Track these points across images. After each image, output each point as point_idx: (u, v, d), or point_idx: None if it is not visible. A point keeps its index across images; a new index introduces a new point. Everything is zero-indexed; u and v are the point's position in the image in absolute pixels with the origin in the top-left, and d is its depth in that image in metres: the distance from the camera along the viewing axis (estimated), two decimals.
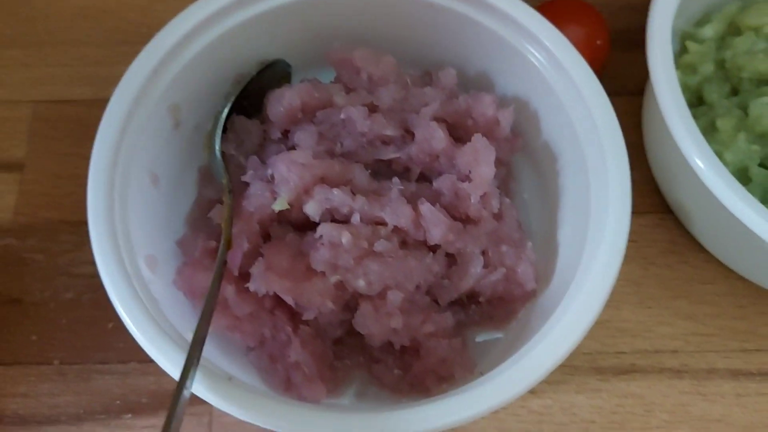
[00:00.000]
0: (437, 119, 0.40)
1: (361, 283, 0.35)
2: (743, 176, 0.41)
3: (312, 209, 0.37)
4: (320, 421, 0.31)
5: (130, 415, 0.39)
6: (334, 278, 0.35)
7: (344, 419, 0.31)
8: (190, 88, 0.40)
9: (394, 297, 0.35)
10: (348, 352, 0.39)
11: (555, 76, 0.39)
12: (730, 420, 0.40)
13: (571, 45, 0.38)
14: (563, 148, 0.40)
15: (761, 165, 0.41)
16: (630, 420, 0.39)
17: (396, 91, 0.40)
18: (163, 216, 0.39)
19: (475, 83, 0.43)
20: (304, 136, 0.38)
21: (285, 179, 0.36)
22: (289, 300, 0.35)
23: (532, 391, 0.40)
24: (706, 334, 0.42)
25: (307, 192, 0.36)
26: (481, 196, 0.38)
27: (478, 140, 0.38)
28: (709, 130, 0.42)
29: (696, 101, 0.45)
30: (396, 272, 0.35)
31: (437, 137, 0.38)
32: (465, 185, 0.38)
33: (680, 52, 0.46)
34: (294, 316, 0.36)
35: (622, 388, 0.40)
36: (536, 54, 0.39)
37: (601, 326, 0.42)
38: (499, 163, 0.41)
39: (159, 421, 0.40)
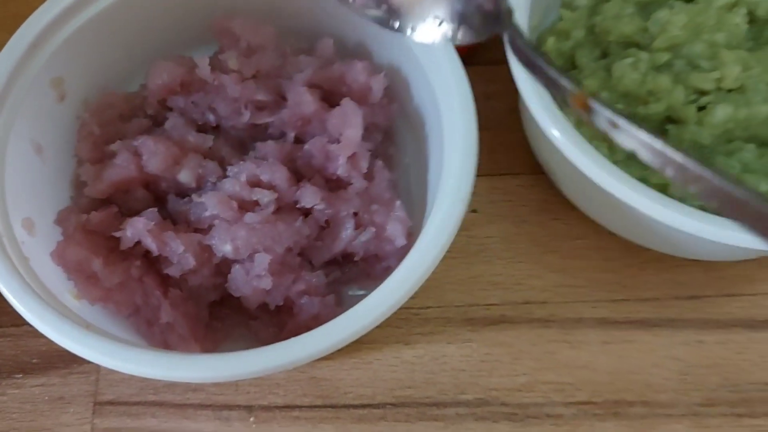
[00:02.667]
0: (312, 85, 0.42)
1: (228, 248, 0.37)
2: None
3: (185, 177, 0.39)
4: (168, 361, 0.33)
5: (20, 375, 0.41)
6: (200, 238, 0.37)
7: (195, 360, 0.33)
8: (73, 62, 0.42)
9: (262, 260, 0.37)
10: (227, 312, 0.41)
11: (417, 44, 0.40)
12: (595, 366, 0.42)
13: None
14: (429, 112, 0.42)
15: None
16: (498, 367, 0.42)
17: (273, 58, 0.42)
18: (48, 183, 0.41)
19: (353, 53, 0.45)
20: (175, 116, 0.40)
21: (153, 152, 0.38)
22: (153, 247, 0.36)
23: (406, 342, 0.43)
24: (575, 286, 0.44)
25: (177, 162, 0.38)
26: (350, 157, 0.40)
27: (346, 104, 0.40)
28: None
29: (570, 66, 0.46)
30: (264, 237, 0.37)
31: (306, 101, 0.40)
32: (334, 147, 0.40)
33: (558, 20, 0.48)
34: (163, 281, 0.38)
35: (492, 338, 0.42)
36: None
37: (473, 280, 0.44)
38: (375, 127, 0.43)
39: (48, 380, 0.42)
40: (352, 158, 0.40)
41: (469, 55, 0.48)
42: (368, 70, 0.42)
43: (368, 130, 0.43)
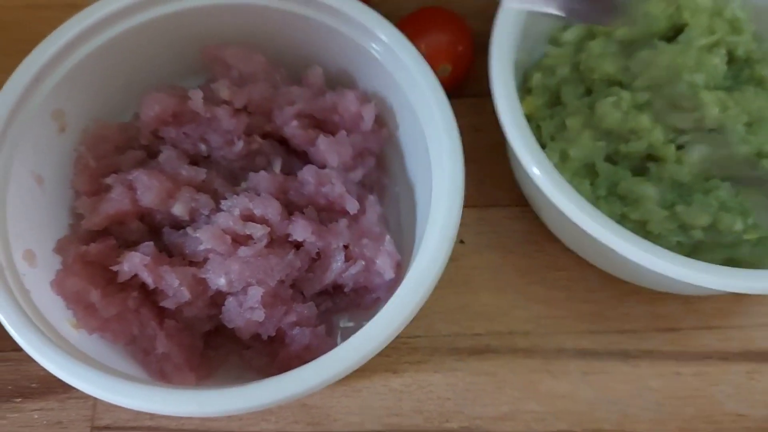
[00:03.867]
0: (305, 116, 0.43)
1: (222, 282, 0.38)
2: (590, 171, 0.44)
3: (179, 210, 0.40)
4: (162, 396, 0.34)
5: (19, 399, 0.43)
6: (195, 271, 0.38)
7: (189, 395, 0.34)
8: (74, 94, 0.43)
9: (255, 293, 0.38)
10: (221, 342, 0.42)
11: (401, 75, 0.42)
12: (575, 396, 0.43)
13: (408, 42, 0.41)
14: (415, 142, 0.43)
15: (609, 160, 0.45)
16: (482, 396, 0.43)
17: (264, 88, 0.43)
18: (48, 213, 0.42)
19: (340, 80, 0.46)
20: (168, 149, 0.42)
21: (147, 186, 0.39)
22: (149, 281, 0.38)
23: (395, 371, 0.44)
24: (558, 317, 0.45)
25: (171, 196, 0.40)
26: (341, 194, 0.41)
27: (336, 138, 0.42)
28: (560, 129, 0.45)
29: (555, 102, 0.48)
30: (257, 270, 0.38)
31: (297, 135, 0.42)
32: (326, 170, 0.41)
33: (544, 56, 0.49)
34: (159, 312, 0.39)
35: (477, 367, 0.44)
36: (380, 52, 0.43)
37: (461, 310, 0.45)
38: (367, 152, 0.44)
39: (47, 404, 0.43)
40: (345, 182, 0.42)
41: (457, 87, 0.49)
42: (359, 99, 0.43)
43: (361, 155, 0.44)
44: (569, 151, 0.44)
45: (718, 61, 0.45)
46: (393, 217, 0.46)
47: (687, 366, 0.44)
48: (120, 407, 0.42)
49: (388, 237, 0.42)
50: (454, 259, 0.46)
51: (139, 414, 0.43)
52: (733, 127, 0.43)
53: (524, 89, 0.49)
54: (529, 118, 0.47)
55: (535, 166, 0.40)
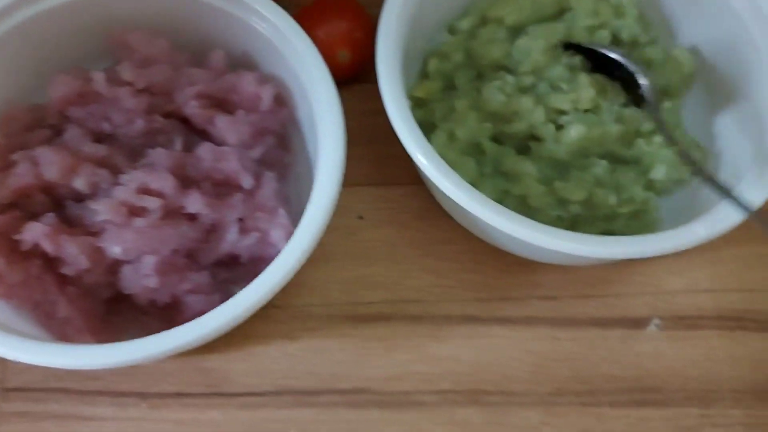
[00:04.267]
0: (205, 96, 0.46)
1: (117, 250, 0.41)
2: (477, 150, 0.47)
3: (80, 184, 0.42)
4: (61, 351, 0.37)
5: None
6: (92, 240, 0.41)
7: (85, 350, 0.37)
8: None
9: (148, 261, 0.41)
10: (123, 308, 0.44)
11: (291, 55, 0.45)
12: (459, 358, 0.46)
13: (294, 22, 0.44)
14: (310, 123, 0.46)
15: (496, 140, 0.48)
16: (373, 359, 0.46)
17: (166, 70, 0.46)
18: None
19: (244, 63, 0.49)
20: (73, 127, 0.44)
21: (51, 162, 0.41)
22: (49, 249, 0.40)
23: (291, 337, 0.47)
24: (447, 286, 0.48)
25: (73, 170, 0.42)
26: (236, 169, 0.44)
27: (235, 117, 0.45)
28: (450, 110, 0.48)
29: (451, 85, 0.51)
30: (151, 240, 0.41)
31: (197, 114, 0.44)
32: (224, 149, 0.44)
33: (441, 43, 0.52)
34: (61, 279, 0.42)
35: (369, 333, 0.47)
36: (271, 32, 0.45)
37: (356, 281, 0.48)
38: (266, 131, 0.47)
39: None
40: (239, 159, 0.44)
41: (357, 72, 0.52)
42: (257, 80, 0.46)
43: (261, 134, 0.47)
44: (456, 131, 0.47)
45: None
46: (294, 193, 0.49)
47: (564, 331, 0.47)
48: (28, 370, 0.45)
49: (281, 210, 0.44)
50: (353, 233, 0.50)
51: (46, 377, 0.45)
52: (608, 107, 0.47)
53: (423, 74, 0.52)
54: (426, 101, 0.50)
55: (419, 154, 0.42)
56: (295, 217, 0.46)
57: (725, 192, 0.41)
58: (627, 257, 0.43)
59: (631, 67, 0.47)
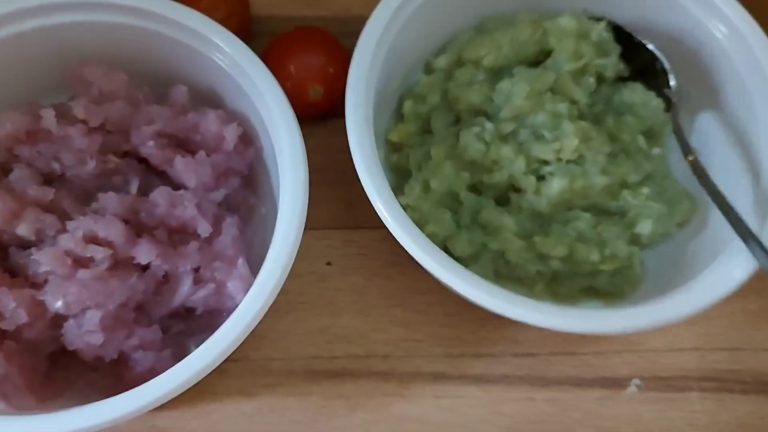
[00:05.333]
0: (165, 135, 0.43)
1: (59, 304, 0.38)
2: (455, 200, 0.45)
3: (23, 231, 0.40)
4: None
5: None
6: (33, 293, 0.38)
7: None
8: None
9: (93, 316, 0.38)
10: (68, 363, 0.41)
11: (252, 91, 0.42)
12: (425, 419, 0.44)
13: (254, 56, 0.42)
14: (274, 161, 0.43)
15: (474, 189, 0.45)
16: (333, 420, 0.44)
17: (123, 107, 0.43)
18: None
19: (208, 99, 0.46)
20: (20, 167, 0.41)
21: None
22: None
23: (248, 394, 0.44)
24: (416, 340, 0.46)
25: (16, 216, 0.39)
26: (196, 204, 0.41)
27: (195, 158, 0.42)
28: (427, 157, 0.45)
29: (427, 128, 0.48)
30: (96, 294, 0.38)
31: (155, 155, 0.42)
32: (179, 193, 0.41)
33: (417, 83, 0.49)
34: None
35: (331, 390, 0.44)
36: (231, 67, 0.43)
37: (320, 333, 0.46)
38: (231, 172, 0.44)
39: None
40: (198, 205, 0.41)
41: (330, 108, 0.49)
42: (221, 119, 0.43)
43: (225, 175, 0.44)
44: (431, 182, 0.44)
45: (580, 93, 0.46)
46: (260, 237, 0.46)
47: (540, 391, 0.45)
48: None
49: (241, 260, 0.42)
50: (320, 280, 0.47)
51: None
52: (593, 157, 0.44)
53: (398, 115, 0.49)
54: (400, 145, 0.48)
55: (381, 204, 0.40)
56: (259, 261, 0.43)
57: (750, 236, 0.39)
58: (610, 333, 0.40)
59: (666, 64, 0.46)
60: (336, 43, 0.48)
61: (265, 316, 0.38)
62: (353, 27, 0.51)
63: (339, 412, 0.44)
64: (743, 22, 0.44)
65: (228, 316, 0.42)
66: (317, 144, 0.45)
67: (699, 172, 0.43)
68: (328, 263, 0.47)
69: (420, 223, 0.42)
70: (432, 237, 0.41)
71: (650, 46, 0.47)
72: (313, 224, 0.39)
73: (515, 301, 0.37)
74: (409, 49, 0.47)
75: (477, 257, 0.43)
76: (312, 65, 0.47)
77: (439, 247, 0.39)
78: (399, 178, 0.47)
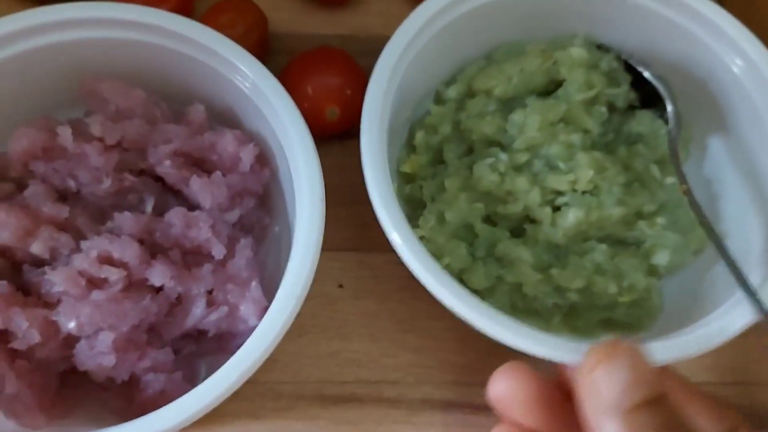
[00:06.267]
0: (181, 155, 0.43)
1: (72, 325, 0.38)
2: (470, 232, 0.44)
3: (37, 249, 0.39)
4: None
5: None
6: (46, 313, 0.38)
7: None
8: None
9: (105, 338, 0.38)
10: (79, 381, 0.41)
11: (269, 112, 0.42)
12: None
13: (272, 77, 0.42)
14: (290, 182, 0.43)
15: (489, 221, 0.45)
16: None
17: (140, 125, 0.43)
18: None
19: (225, 119, 0.46)
20: (35, 184, 0.41)
21: (4, 224, 0.38)
22: None
23: (256, 417, 0.44)
24: (427, 366, 0.45)
25: (29, 234, 0.39)
26: (210, 226, 0.41)
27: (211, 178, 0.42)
28: (440, 189, 0.45)
29: (439, 159, 0.47)
30: (109, 315, 0.38)
31: (171, 174, 0.42)
32: (195, 214, 0.41)
33: (428, 113, 0.48)
34: (11, 351, 0.39)
35: (340, 416, 0.44)
36: (249, 88, 0.43)
37: (331, 357, 0.45)
38: (246, 192, 0.44)
39: None
40: (212, 226, 0.41)
41: (347, 130, 0.49)
42: (238, 140, 0.43)
43: (240, 196, 0.44)
44: (446, 214, 0.43)
45: (591, 125, 0.45)
46: (273, 257, 0.46)
47: None
48: None
49: (254, 283, 0.42)
50: (331, 303, 0.47)
51: None
52: (609, 188, 0.43)
53: (410, 146, 0.49)
54: (413, 176, 0.47)
55: (394, 232, 0.39)
56: (271, 282, 0.43)
57: (747, 290, 0.39)
58: None
59: (662, 91, 0.46)
60: (354, 65, 0.48)
61: None
62: (372, 46, 0.51)
63: None
64: (759, 54, 0.44)
65: (240, 338, 0.42)
66: (332, 164, 0.44)
67: (693, 205, 0.43)
68: (340, 285, 0.47)
69: (436, 256, 0.41)
70: (448, 270, 0.41)
71: (646, 74, 0.47)
72: (325, 245, 0.39)
73: (536, 338, 0.37)
74: (419, 79, 0.47)
75: (493, 290, 0.43)
76: (330, 87, 0.47)
77: (455, 280, 0.39)
78: (412, 210, 0.46)
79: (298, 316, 0.38)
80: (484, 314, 0.37)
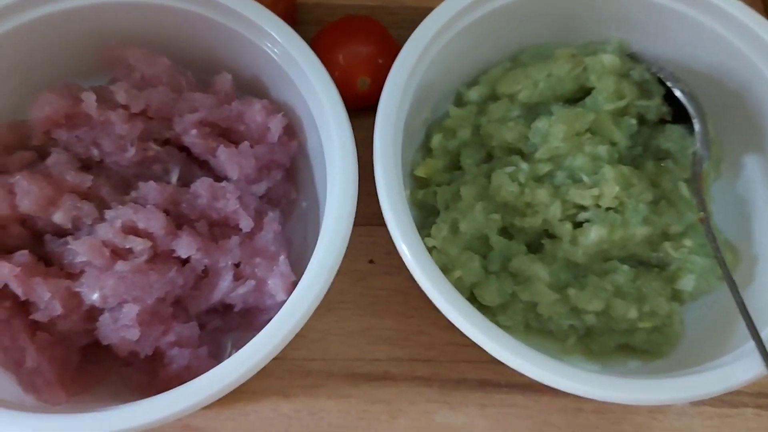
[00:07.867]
0: (207, 124, 0.41)
1: (95, 297, 0.37)
2: (484, 243, 0.42)
3: (60, 218, 0.38)
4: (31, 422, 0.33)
5: None
6: (69, 284, 0.37)
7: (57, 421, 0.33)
8: None
9: (129, 310, 0.37)
10: (101, 356, 0.40)
11: (300, 81, 0.41)
12: (471, 428, 0.42)
13: (305, 45, 0.40)
14: (320, 154, 0.41)
15: (505, 233, 0.42)
16: (374, 425, 0.42)
17: (165, 93, 0.41)
18: None
19: (252, 88, 0.45)
20: (58, 152, 0.40)
21: (26, 192, 0.37)
22: (19, 291, 0.36)
23: (286, 395, 0.42)
24: (462, 344, 0.44)
25: (52, 203, 0.38)
26: (238, 197, 0.39)
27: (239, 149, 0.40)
28: (456, 197, 0.42)
29: (456, 164, 0.45)
30: (133, 287, 0.37)
31: (197, 144, 0.40)
32: (222, 185, 0.39)
33: (446, 115, 0.46)
34: (32, 324, 0.37)
35: (372, 394, 0.42)
36: (279, 55, 0.41)
37: (362, 334, 0.44)
38: (274, 164, 0.43)
39: None
40: (240, 198, 0.40)
41: (379, 99, 0.47)
42: (267, 109, 0.42)
43: (267, 168, 0.42)
44: (460, 224, 0.41)
45: (620, 135, 0.42)
46: (299, 232, 0.45)
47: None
48: None
49: (282, 257, 0.40)
50: (362, 278, 0.45)
51: None
52: (634, 206, 0.41)
53: (426, 149, 0.46)
54: (427, 181, 0.45)
55: (404, 243, 0.37)
56: (297, 257, 0.42)
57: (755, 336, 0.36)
58: (644, 404, 0.38)
59: (691, 110, 0.43)
60: (385, 34, 0.46)
61: None
62: (401, 17, 0.49)
63: (380, 417, 0.42)
64: None
65: (266, 313, 0.40)
66: (363, 137, 0.42)
67: (708, 234, 0.40)
68: (371, 261, 0.46)
69: (447, 268, 0.39)
70: (459, 283, 0.39)
71: (676, 91, 0.44)
72: (357, 220, 0.38)
73: (544, 365, 0.35)
74: (440, 79, 0.44)
75: (506, 307, 0.41)
76: (361, 55, 0.45)
77: (466, 294, 0.37)
78: (424, 216, 0.44)
79: (327, 292, 0.37)
80: (491, 336, 0.35)
